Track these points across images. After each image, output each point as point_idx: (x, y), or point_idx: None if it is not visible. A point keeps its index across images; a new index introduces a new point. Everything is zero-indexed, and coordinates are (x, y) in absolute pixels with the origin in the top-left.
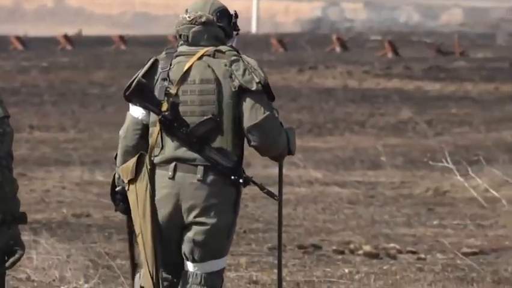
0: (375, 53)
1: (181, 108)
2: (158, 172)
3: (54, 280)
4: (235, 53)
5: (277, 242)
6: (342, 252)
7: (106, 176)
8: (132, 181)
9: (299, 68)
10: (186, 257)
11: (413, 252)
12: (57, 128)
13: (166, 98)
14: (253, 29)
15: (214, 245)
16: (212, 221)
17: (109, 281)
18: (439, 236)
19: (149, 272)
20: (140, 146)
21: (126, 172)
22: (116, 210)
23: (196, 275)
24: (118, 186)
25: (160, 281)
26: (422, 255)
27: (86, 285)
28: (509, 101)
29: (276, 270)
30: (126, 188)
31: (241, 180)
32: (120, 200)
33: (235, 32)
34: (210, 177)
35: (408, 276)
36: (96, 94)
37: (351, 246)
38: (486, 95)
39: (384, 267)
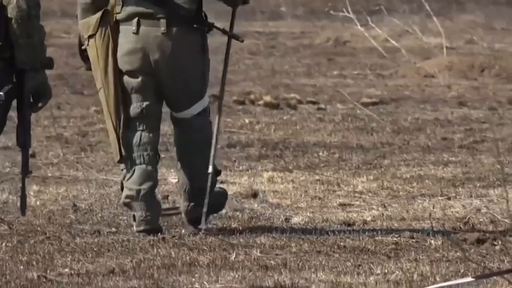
0: None
1: None
2: (121, 28)
3: None
4: None
5: (220, 88)
6: (242, 103)
7: None
8: (92, 36)
9: None
10: (171, 108)
11: (313, 103)
12: None
13: None
14: None
15: (192, 90)
16: (183, 68)
17: None
18: (339, 86)
19: (113, 124)
20: (98, 2)
21: (87, 27)
22: (86, 69)
23: (185, 120)
24: (84, 44)
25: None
26: (322, 106)
27: None
28: None
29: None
30: (86, 44)
31: (204, 27)
32: (88, 57)
33: None
34: (174, 29)
35: (308, 126)
36: None
37: (252, 96)
38: None
39: (285, 118)
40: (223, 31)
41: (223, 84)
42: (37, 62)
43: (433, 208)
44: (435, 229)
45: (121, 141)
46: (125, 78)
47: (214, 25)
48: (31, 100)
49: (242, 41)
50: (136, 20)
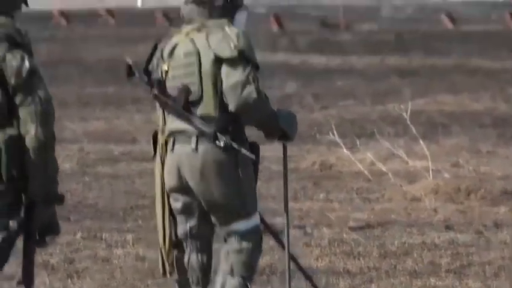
0: (260, 26)
1: (171, 83)
2: (167, 147)
3: None
4: (220, 23)
5: (285, 222)
6: None
7: None
8: (153, 157)
9: None
10: (215, 224)
11: (300, 227)
12: None
13: (162, 75)
14: (139, 3)
15: (228, 207)
16: (212, 186)
17: None
18: (325, 210)
19: (161, 241)
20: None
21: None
22: None
23: (227, 236)
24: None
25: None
26: (309, 230)
27: None
28: (394, 74)
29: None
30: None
31: (221, 144)
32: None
33: (237, 10)
34: (202, 146)
35: (294, 251)
36: None
37: None
38: (371, 68)
39: (271, 243)
40: (238, 148)
41: (286, 202)
42: (49, 195)
43: None
44: None
45: (164, 258)
46: (170, 198)
47: (230, 141)
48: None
49: (255, 158)
50: (172, 137)
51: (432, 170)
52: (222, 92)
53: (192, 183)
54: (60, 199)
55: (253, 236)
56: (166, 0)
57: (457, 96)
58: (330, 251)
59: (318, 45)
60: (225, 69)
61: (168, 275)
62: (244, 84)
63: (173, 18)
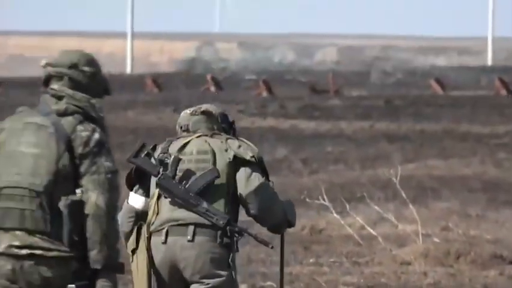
0: (250, 92)
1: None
2: (154, 239)
3: None
4: (227, 136)
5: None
6: None
7: None
8: (134, 251)
9: (174, 107)
10: None
11: None
12: None
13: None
14: (128, 69)
15: None
16: (206, 281)
17: None
18: (315, 274)
19: None
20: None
21: (130, 244)
22: None
23: None
24: None
25: None
26: None
27: None
28: (383, 139)
29: None
30: (130, 260)
31: (228, 240)
32: None
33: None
34: (199, 238)
35: None
36: None
37: None
38: (360, 133)
39: None
40: (255, 237)
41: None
42: (110, 263)
43: None
44: None
45: None
46: None
47: (247, 231)
48: None
49: (272, 247)
50: (165, 229)
51: (422, 233)
52: (234, 194)
53: (185, 274)
54: (120, 269)
55: None
56: (155, 66)
57: (447, 160)
58: None
59: (307, 111)
60: (244, 172)
61: None
62: (266, 188)
63: (161, 84)
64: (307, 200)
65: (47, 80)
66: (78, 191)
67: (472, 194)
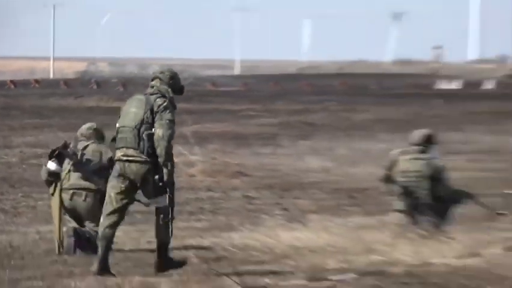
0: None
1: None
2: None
3: None
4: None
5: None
6: None
7: None
8: (52, 194)
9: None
10: None
11: None
12: None
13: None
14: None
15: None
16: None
17: None
18: None
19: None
20: None
21: (50, 190)
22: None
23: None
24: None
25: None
26: None
27: None
28: None
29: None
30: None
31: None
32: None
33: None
34: (88, 199)
35: None
36: None
37: None
38: None
39: None
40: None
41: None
42: (166, 160)
43: None
44: None
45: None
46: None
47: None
48: None
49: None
50: (72, 191)
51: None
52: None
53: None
54: (171, 161)
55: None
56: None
57: None
58: None
59: None
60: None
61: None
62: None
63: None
64: None
65: (152, 79)
66: (153, 129)
67: None
